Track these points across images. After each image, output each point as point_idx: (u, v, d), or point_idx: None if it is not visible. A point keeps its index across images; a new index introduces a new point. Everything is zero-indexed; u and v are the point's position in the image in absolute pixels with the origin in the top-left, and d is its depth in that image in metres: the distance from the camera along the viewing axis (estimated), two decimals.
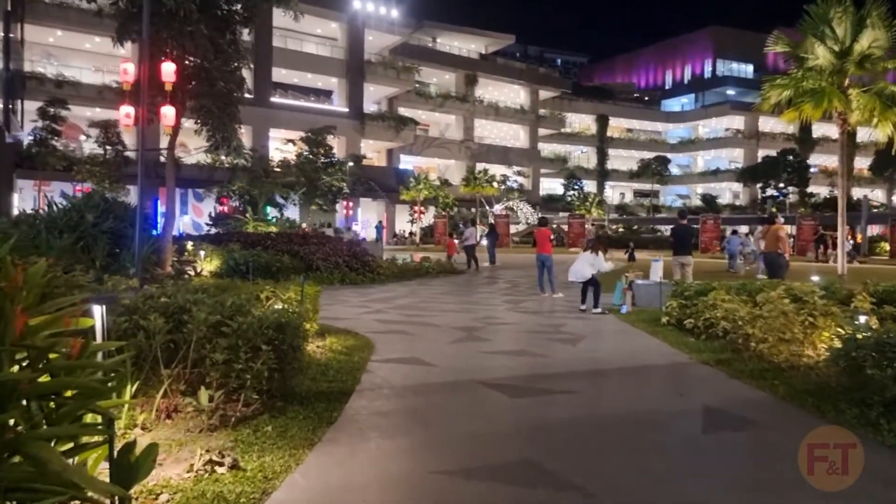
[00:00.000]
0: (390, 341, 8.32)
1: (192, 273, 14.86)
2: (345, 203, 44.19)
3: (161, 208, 42.42)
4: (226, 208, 36.92)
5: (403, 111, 56.03)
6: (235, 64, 15.17)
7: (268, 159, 42.19)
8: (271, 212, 35.81)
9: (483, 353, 7.62)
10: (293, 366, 5.34)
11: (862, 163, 78.60)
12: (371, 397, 5.55)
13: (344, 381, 5.94)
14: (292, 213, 39.06)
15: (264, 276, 14.88)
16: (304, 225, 34.99)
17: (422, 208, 49.70)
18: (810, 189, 62.72)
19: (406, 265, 19.82)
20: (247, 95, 45.75)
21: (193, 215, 43.49)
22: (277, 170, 40.44)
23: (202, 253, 15.10)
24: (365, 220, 51.76)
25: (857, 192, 73.13)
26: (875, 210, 50.96)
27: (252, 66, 45.26)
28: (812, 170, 65.93)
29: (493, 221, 42.12)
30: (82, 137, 39.05)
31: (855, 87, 14.16)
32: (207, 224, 32.43)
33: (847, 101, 13.75)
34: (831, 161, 75.73)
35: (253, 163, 39.67)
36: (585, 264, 11.82)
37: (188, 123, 14.88)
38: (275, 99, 47.64)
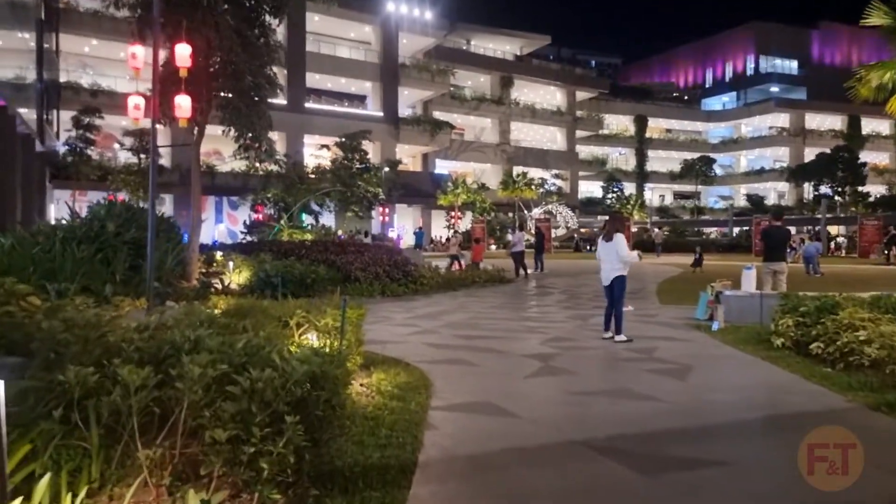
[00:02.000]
0: (450, 375, 6.75)
1: (219, 286, 13.53)
2: (381, 209, 42.99)
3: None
4: (260, 216, 35.97)
5: (438, 115, 54.79)
6: (265, 58, 13.85)
7: (302, 165, 41.28)
8: (307, 219, 34.88)
9: (574, 395, 5.95)
10: (331, 432, 3.82)
11: None
12: (442, 476, 3.94)
13: (401, 443, 4.33)
14: (328, 220, 38.04)
15: (298, 289, 13.47)
16: (339, 232, 33.77)
17: (459, 213, 48.27)
18: (865, 188, 59.82)
19: (450, 274, 18.29)
20: (280, 101, 45.20)
21: (228, 223, 42.86)
22: (312, 176, 39.48)
23: (231, 264, 13.75)
24: (401, 226, 50.53)
25: None
26: None
27: (286, 69, 45.16)
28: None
29: (538, 226, 40.47)
30: (116, 146, 38.57)
31: None
32: (242, 232, 31.70)
33: None
34: (881, 158, 72.67)
35: (287, 169, 38.81)
36: (612, 258, 9.19)
37: (219, 130, 13.68)
38: (309, 104, 46.75)
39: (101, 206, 14.26)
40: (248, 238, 27.48)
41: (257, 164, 40.61)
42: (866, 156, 69.81)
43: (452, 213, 47.86)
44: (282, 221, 30.92)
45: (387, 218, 44.76)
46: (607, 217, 10.59)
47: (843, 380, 6.23)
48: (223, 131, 13.31)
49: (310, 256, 15.79)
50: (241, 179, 38.58)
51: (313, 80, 47.50)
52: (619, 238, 9.19)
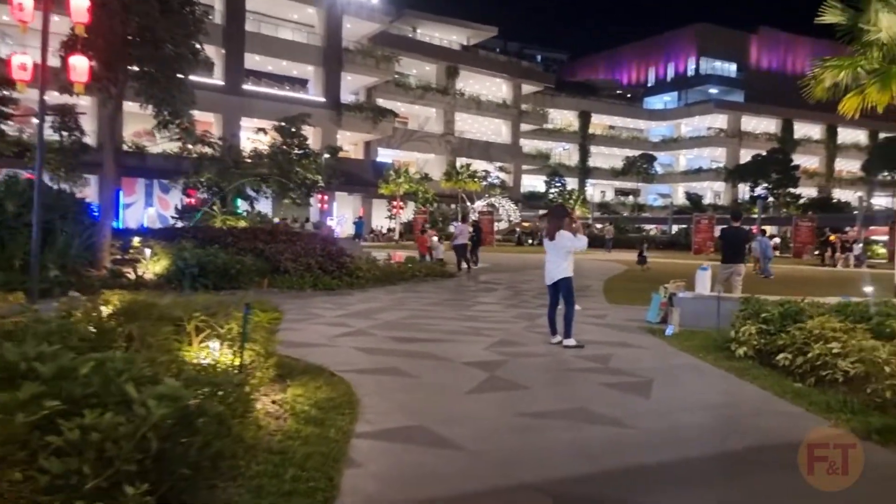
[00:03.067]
0: (381, 389, 5.80)
1: (133, 276, 12.29)
2: (320, 197, 41.65)
3: (123, 199, 40.03)
4: (193, 200, 34.38)
5: (382, 102, 53.60)
6: (191, 28, 12.62)
7: (239, 149, 39.59)
8: (242, 205, 33.48)
9: (524, 418, 5.03)
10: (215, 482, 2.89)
11: (841, 164, 78.09)
12: None
13: (312, 490, 3.34)
14: (265, 206, 36.61)
15: (220, 281, 12.35)
16: (276, 219, 32.46)
17: (401, 203, 47.29)
18: (798, 190, 61.37)
19: (389, 267, 17.31)
20: (216, 81, 43.30)
21: (160, 208, 41.02)
22: (249, 160, 37.87)
23: (147, 251, 12.49)
24: (341, 215, 49.27)
25: (839, 194, 72.55)
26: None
27: (223, 49, 43.26)
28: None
29: (475, 219, 39.79)
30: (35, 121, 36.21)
31: None
32: (173, 217, 30.16)
33: None
34: (812, 162, 74.76)
35: (222, 152, 37.18)
36: (558, 256, 8.38)
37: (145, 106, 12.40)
38: (247, 87, 44.96)
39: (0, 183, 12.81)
40: (180, 223, 26.12)
41: (190, 147, 39.06)
42: (798, 159, 71.66)
43: (394, 203, 46.85)
44: (214, 207, 29.54)
45: (326, 206, 43.45)
46: (546, 211, 9.83)
47: (820, 398, 5.57)
48: (141, 105, 12.05)
49: (237, 245, 14.59)
50: (174, 162, 36.85)
51: (253, 61, 45.76)
52: (562, 234, 8.39)
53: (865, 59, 12.15)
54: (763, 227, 30.53)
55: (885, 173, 67.77)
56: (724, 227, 12.71)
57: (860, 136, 77.79)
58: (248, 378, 4.23)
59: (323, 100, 47.68)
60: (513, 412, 5.16)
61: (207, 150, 37.30)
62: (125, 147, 39.19)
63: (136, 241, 14.19)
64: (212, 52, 43.63)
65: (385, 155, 55.71)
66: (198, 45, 12.58)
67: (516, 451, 4.28)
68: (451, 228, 23.11)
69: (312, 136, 43.78)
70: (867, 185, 72.66)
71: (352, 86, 52.15)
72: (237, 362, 4.44)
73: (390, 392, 5.75)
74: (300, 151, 38.30)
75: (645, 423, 4.99)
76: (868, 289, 12.18)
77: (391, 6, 52.96)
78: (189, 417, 2.54)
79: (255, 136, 38.83)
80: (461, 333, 9.07)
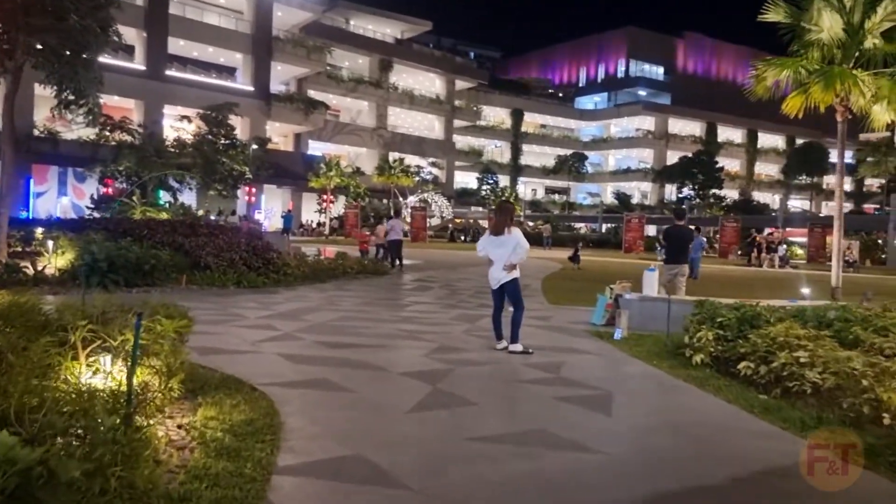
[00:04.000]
0: (309, 407, 5.01)
1: (32, 271, 11.10)
2: (247, 189, 40.19)
3: (34, 188, 37.61)
4: (111, 190, 32.56)
5: (314, 94, 52.35)
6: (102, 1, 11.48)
7: (161, 138, 37.74)
8: (164, 196, 31.93)
9: (475, 443, 4.35)
10: None
11: (760, 168, 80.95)
12: None
13: None
14: (189, 198, 35.02)
15: (133, 277, 11.29)
16: (201, 211, 31.01)
17: (332, 197, 46.18)
18: (722, 192, 63.10)
19: (319, 263, 16.42)
20: (137, 66, 41.25)
21: (74, 197, 38.84)
22: (171, 149, 36.13)
23: (50, 244, 11.29)
24: (269, 208, 47.76)
25: (758, 196, 75.17)
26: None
27: (144, 31, 41.18)
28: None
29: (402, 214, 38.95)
30: None
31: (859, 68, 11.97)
32: (89, 208, 28.54)
33: (858, 85, 11.47)
34: (734, 165, 77.11)
35: (143, 140, 35.37)
36: (504, 258, 7.63)
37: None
38: (171, 72, 42.96)
39: None
40: (95, 214, 24.65)
41: (108, 133, 37.05)
42: (721, 162, 73.86)
43: (325, 197, 45.70)
44: (133, 197, 28.03)
45: (253, 199, 41.99)
46: (494, 208, 8.86)
47: (792, 414, 5.12)
48: (42, 83, 10.86)
49: (153, 238, 13.45)
50: (91, 149, 34.90)
51: (177, 46, 43.81)
52: (517, 234, 7.69)
53: (806, 60, 12.07)
54: (697, 226, 30.53)
55: (803, 177, 70.65)
56: (668, 226, 12.42)
57: (779, 140, 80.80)
58: (140, 406, 3.45)
59: (252, 89, 46.10)
60: (462, 435, 4.48)
61: (126, 137, 35.47)
62: (36, 132, 36.91)
63: (39, 232, 12.90)
64: (132, 34, 41.53)
65: (316, 148, 54.43)
66: (110, 17, 11.42)
67: (469, 488, 3.61)
68: (384, 224, 22.26)
69: (240, 126, 42.32)
70: (785, 187, 75.59)
71: (282, 76, 50.71)
72: (139, 376, 3.63)
73: (320, 410, 4.99)
74: (227, 141, 36.87)
75: (611, 446, 4.41)
76: (805, 290, 12.17)
77: None
78: (31, 489, 1.79)
79: (178, 125, 37.15)
80: (398, 338, 8.33)
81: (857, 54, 11.86)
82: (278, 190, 48.41)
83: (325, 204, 45.85)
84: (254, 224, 31.23)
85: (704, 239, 21.83)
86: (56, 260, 11.36)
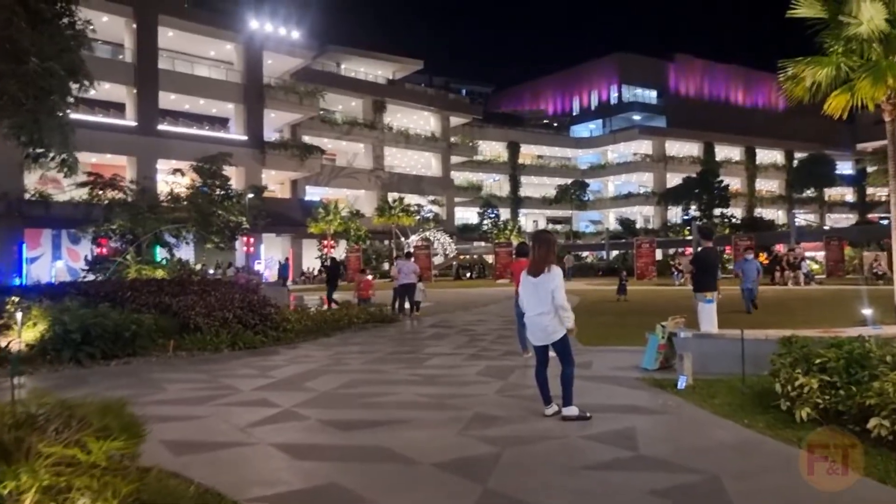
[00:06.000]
0: None
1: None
2: (245, 239, 39.18)
3: (27, 253, 36.61)
4: (105, 250, 31.64)
5: (308, 139, 51.84)
6: (71, 42, 10.50)
7: (154, 193, 36.87)
8: (161, 253, 30.98)
9: None
10: None
11: (760, 184, 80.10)
12: None
13: None
14: (186, 253, 34.08)
15: (112, 347, 10.11)
16: (198, 266, 30.01)
17: (332, 242, 45.19)
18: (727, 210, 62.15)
19: (322, 315, 15.25)
20: (127, 122, 40.68)
21: (69, 260, 38.05)
22: (166, 204, 35.22)
23: (19, 315, 10.14)
24: (269, 257, 46.77)
25: (762, 213, 74.23)
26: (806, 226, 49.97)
27: (134, 88, 40.69)
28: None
29: (332, 255, 37.81)
30: None
31: None
32: (84, 270, 27.74)
33: None
34: (734, 183, 76.28)
35: (135, 197, 34.49)
36: (545, 303, 6.23)
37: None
38: (163, 127, 42.39)
39: None
40: (90, 276, 23.55)
41: (100, 192, 36.26)
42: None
43: (325, 242, 44.72)
44: (128, 256, 27.09)
45: (252, 249, 40.98)
46: (532, 240, 7.03)
47: None
48: (3, 135, 9.85)
49: (136, 300, 12.30)
50: (83, 210, 33.99)
51: (168, 100, 43.40)
52: (556, 273, 6.31)
53: (847, 56, 11.03)
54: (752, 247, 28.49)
55: (809, 190, 69.85)
56: (700, 250, 11.22)
57: (777, 156, 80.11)
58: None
59: (245, 138, 45.53)
60: None
61: (118, 194, 34.63)
62: (27, 196, 36.11)
63: (13, 301, 11.73)
64: (122, 91, 41.08)
65: (313, 193, 53.68)
66: (78, 62, 10.42)
67: None
68: (391, 267, 21.08)
69: (235, 176, 41.57)
70: (788, 202, 74.73)
71: (275, 123, 50.26)
72: None
73: None
74: (222, 192, 35.98)
75: None
76: (867, 311, 10.86)
77: (314, 41, 51.56)
78: None
79: (171, 179, 36.32)
80: (421, 407, 7.00)
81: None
82: (278, 238, 47.51)
83: (325, 249, 44.86)
84: (253, 275, 30.13)
85: (759, 263, 18.50)
86: (25, 333, 10.18)
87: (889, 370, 5.25)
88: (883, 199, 74.80)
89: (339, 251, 47.11)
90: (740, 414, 6.05)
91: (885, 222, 66.24)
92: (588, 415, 6.23)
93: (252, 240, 40.20)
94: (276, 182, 51.31)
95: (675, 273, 33.56)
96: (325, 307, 17.89)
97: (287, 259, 41.88)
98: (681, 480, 4.55)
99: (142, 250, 29.09)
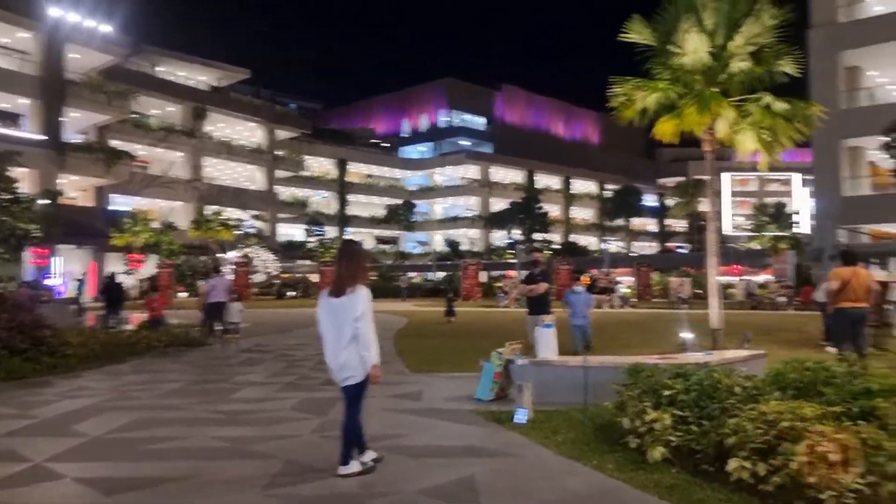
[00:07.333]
0: None
1: None
2: (36, 251, 34.72)
3: None
4: None
5: (118, 144, 47.42)
6: None
7: None
8: None
9: None
10: None
11: (575, 212, 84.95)
12: None
13: None
14: None
15: None
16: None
17: (140, 256, 41.38)
18: (546, 236, 64.87)
19: (114, 337, 13.20)
20: None
21: None
22: None
23: None
24: (67, 271, 41.90)
25: (576, 239, 78.53)
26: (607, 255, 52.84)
27: None
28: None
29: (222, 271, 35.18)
30: None
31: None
32: None
33: (726, 109, 10.65)
34: (553, 210, 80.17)
35: None
36: (347, 327, 5.06)
37: None
38: None
39: None
40: None
41: None
42: (543, 208, 76.58)
43: (131, 256, 40.88)
44: None
45: (45, 261, 36.43)
46: (338, 253, 5.67)
47: None
48: None
49: None
50: None
51: None
52: (362, 295, 5.11)
53: (674, 84, 11.12)
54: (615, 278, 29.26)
55: (619, 219, 74.98)
56: (536, 270, 10.74)
57: (591, 186, 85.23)
58: None
59: (41, 138, 40.64)
60: None
61: None
62: None
63: None
64: None
65: (122, 202, 49.12)
66: None
67: None
68: (202, 283, 19.08)
69: (27, 178, 36.93)
70: (600, 230, 79.81)
71: (80, 124, 45.50)
72: None
73: None
74: (8, 196, 31.66)
75: None
76: (687, 335, 10.77)
77: (128, 38, 47.46)
78: None
79: None
80: (219, 456, 5.64)
81: (721, 78, 11.05)
82: (78, 250, 42.79)
83: (132, 264, 40.99)
84: (42, 291, 26.45)
85: (590, 296, 15.97)
86: None
87: (739, 402, 4.76)
88: (679, 230, 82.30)
89: (150, 266, 43.32)
90: (587, 453, 5.37)
91: (681, 251, 72.58)
92: (372, 463, 5.08)
93: (47, 251, 35.76)
94: (78, 189, 46.42)
95: (500, 295, 33.94)
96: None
97: (84, 275, 37.52)
98: None
99: None
